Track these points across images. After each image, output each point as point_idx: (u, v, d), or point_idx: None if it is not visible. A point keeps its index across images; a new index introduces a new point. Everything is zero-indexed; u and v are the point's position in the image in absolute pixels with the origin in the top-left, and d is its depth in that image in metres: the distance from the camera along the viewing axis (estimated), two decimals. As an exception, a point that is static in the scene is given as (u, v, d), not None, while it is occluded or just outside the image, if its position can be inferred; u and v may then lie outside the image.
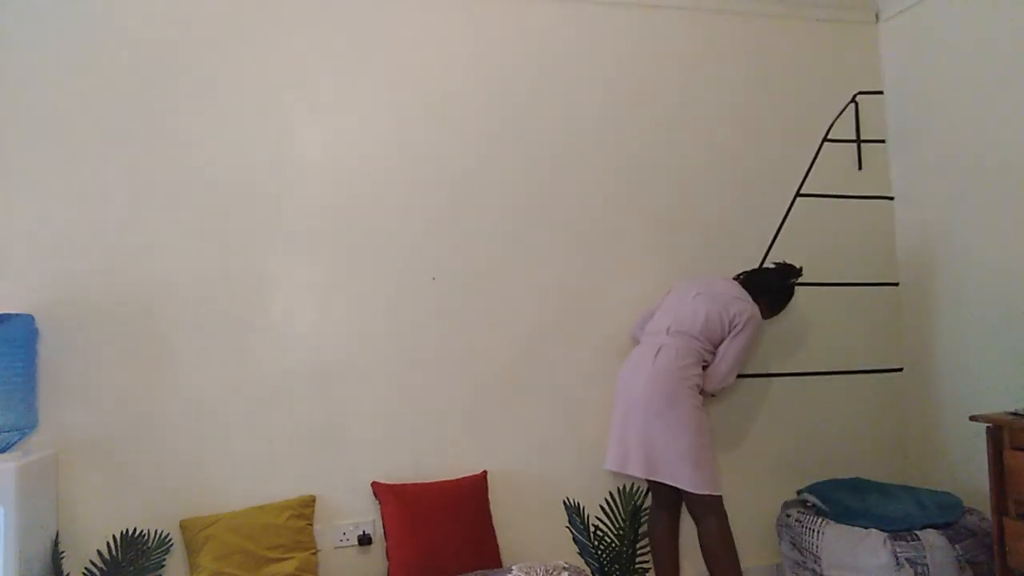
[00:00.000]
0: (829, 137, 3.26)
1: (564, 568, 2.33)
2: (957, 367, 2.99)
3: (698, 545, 2.57)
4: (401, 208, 2.78)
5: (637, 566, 2.77)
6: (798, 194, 3.20)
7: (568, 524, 2.83)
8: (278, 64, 2.70)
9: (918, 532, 2.46)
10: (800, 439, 3.13)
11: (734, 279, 2.80)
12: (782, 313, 2.90)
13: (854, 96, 3.30)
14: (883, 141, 3.32)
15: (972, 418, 2.41)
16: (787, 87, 3.22)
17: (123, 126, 2.56)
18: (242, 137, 2.65)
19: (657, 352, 2.58)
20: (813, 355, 3.17)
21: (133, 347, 2.51)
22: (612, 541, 2.80)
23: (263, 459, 2.59)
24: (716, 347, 2.62)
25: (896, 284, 3.28)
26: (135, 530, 2.44)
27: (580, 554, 2.81)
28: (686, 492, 2.51)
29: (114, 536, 2.41)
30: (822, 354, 3.18)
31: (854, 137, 3.29)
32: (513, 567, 2.35)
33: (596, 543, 2.79)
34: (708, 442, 2.52)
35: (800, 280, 2.83)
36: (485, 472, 2.75)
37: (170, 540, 2.47)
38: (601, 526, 2.82)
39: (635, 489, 2.86)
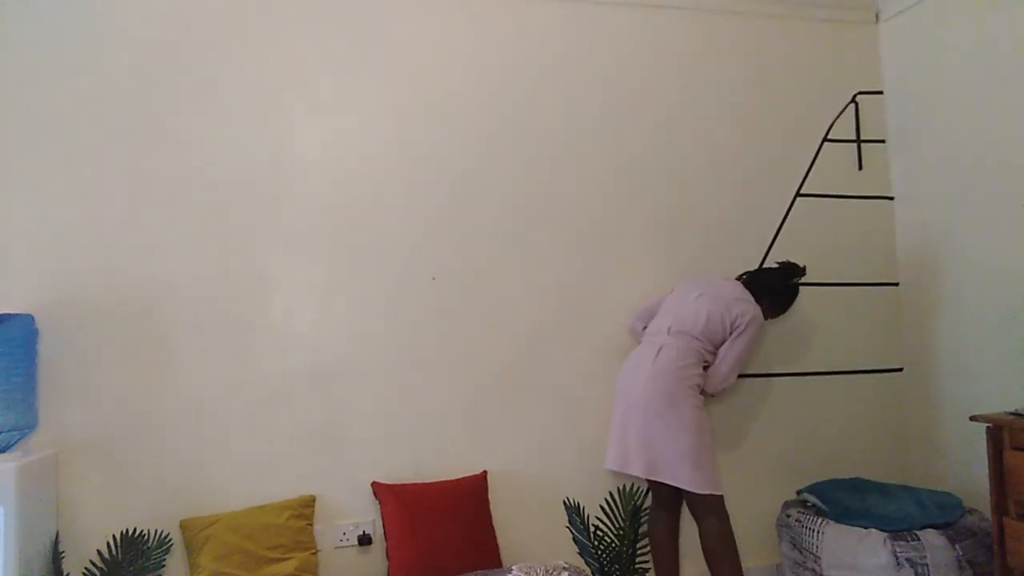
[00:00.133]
0: (829, 137, 3.26)
1: (564, 568, 2.33)
2: (957, 367, 2.99)
3: (699, 545, 2.57)
4: (401, 208, 2.78)
5: (637, 566, 2.77)
6: (798, 194, 3.20)
7: (568, 524, 2.83)
8: (278, 64, 2.70)
9: (918, 532, 2.46)
10: (800, 439, 3.13)
11: (737, 279, 2.80)
12: (783, 313, 2.89)
13: (854, 96, 3.30)
14: (883, 141, 3.32)
15: (972, 418, 2.41)
16: (787, 87, 3.22)
17: (123, 126, 2.56)
18: (242, 137, 2.65)
19: (658, 352, 2.58)
20: (813, 355, 3.17)
21: (133, 347, 2.51)
22: (612, 541, 2.80)
23: (263, 459, 2.59)
24: (717, 348, 2.61)
25: (896, 284, 3.28)
26: (135, 530, 2.44)
27: (580, 554, 2.81)
28: (687, 492, 2.51)
29: (114, 536, 2.41)
30: (822, 354, 3.18)
31: (854, 137, 3.29)
32: (513, 567, 2.35)
33: (596, 543, 2.79)
34: (709, 442, 2.52)
35: (802, 280, 2.82)
36: (485, 472, 2.75)
37: (170, 540, 2.47)
38: (601, 526, 2.82)
39: (635, 489, 2.86)
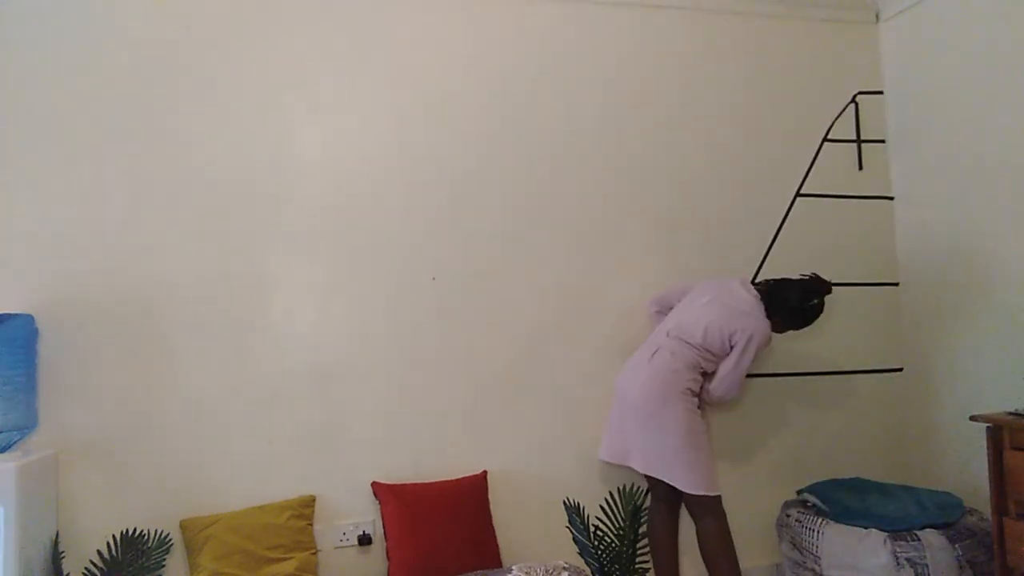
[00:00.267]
0: (829, 137, 3.26)
1: (564, 568, 2.33)
2: (957, 367, 2.99)
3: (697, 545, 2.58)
4: (401, 208, 2.78)
5: (637, 566, 2.77)
6: (798, 194, 3.20)
7: (568, 524, 2.83)
8: (278, 64, 2.70)
9: (918, 532, 2.46)
10: (800, 439, 3.13)
11: (760, 284, 2.67)
12: (802, 329, 2.74)
13: (854, 96, 3.30)
14: (883, 141, 3.32)
15: (972, 418, 2.41)
16: (787, 87, 3.22)
17: (123, 126, 2.56)
18: (242, 137, 2.65)
19: (653, 354, 2.59)
20: (813, 355, 3.17)
21: (133, 347, 2.51)
22: (612, 541, 2.80)
23: (263, 459, 2.59)
24: (717, 355, 2.59)
25: (896, 284, 3.28)
26: (135, 530, 2.44)
27: (580, 554, 2.81)
28: (684, 492, 2.51)
29: (114, 536, 2.41)
30: (822, 354, 3.18)
31: (854, 137, 3.29)
32: (513, 567, 2.35)
33: (596, 543, 2.79)
34: (703, 443, 2.52)
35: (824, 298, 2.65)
36: (485, 472, 2.75)
37: (170, 540, 2.47)
38: (601, 526, 2.82)
39: (635, 489, 2.86)
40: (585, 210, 2.96)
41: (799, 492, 2.90)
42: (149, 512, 2.47)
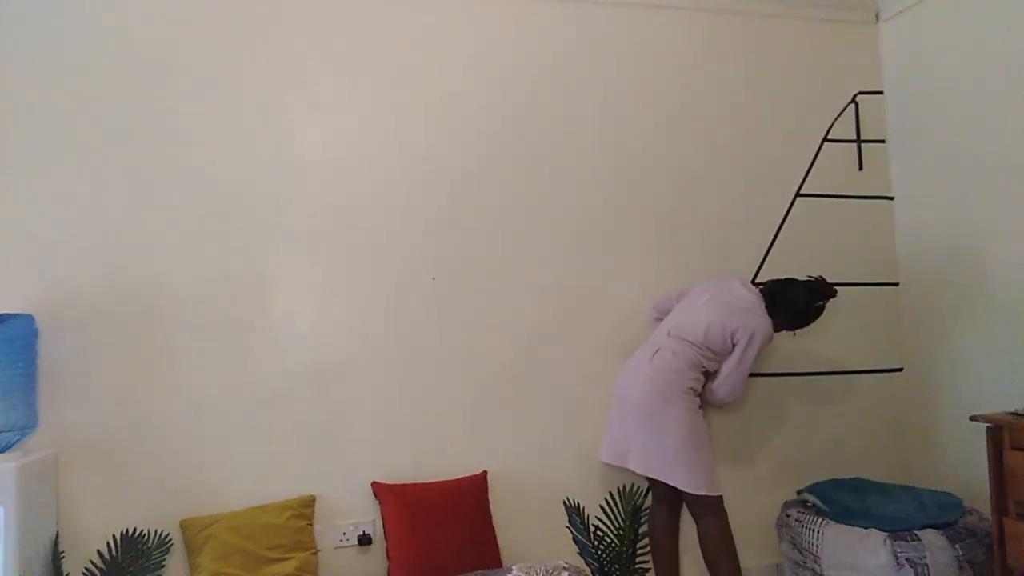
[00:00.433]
0: (829, 137, 3.26)
1: (564, 568, 2.33)
2: (957, 367, 2.99)
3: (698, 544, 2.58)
4: (401, 208, 2.78)
5: (637, 566, 2.77)
6: (798, 194, 3.20)
7: (568, 524, 2.83)
8: (278, 64, 2.70)
9: (918, 532, 2.46)
10: (800, 439, 3.13)
11: (761, 285, 2.69)
12: (801, 329, 2.76)
13: (854, 96, 3.30)
14: (883, 141, 3.32)
15: (972, 418, 2.41)
16: (787, 87, 3.22)
17: (123, 126, 2.56)
18: (242, 137, 2.65)
19: (655, 354, 2.58)
20: (813, 355, 3.17)
21: (133, 347, 2.51)
22: (612, 541, 2.80)
23: (263, 459, 2.59)
24: (719, 354, 2.59)
25: (896, 284, 3.28)
26: (135, 530, 2.44)
27: (580, 554, 2.81)
28: (685, 492, 2.51)
29: (114, 536, 2.41)
30: (822, 354, 3.18)
31: (854, 137, 3.29)
32: (513, 567, 2.35)
33: (596, 543, 2.79)
34: (704, 443, 2.51)
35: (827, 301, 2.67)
36: (485, 472, 2.75)
37: (170, 540, 2.47)
38: (601, 526, 2.82)
39: (635, 489, 2.86)
40: (585, 210, 2.96)
41: (799, 492, 2.90)
42: (149, 512, 2.47)
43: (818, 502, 2.76)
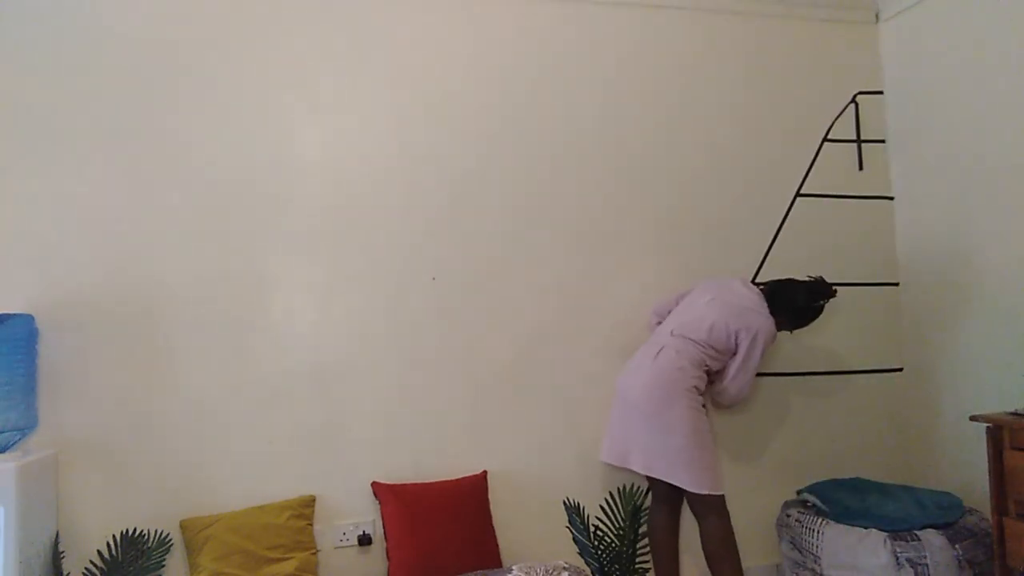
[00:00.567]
0: (829, 137, 3.26)
1: (564, 568, 2.33)
2: (957, 367, 2.99)
3: (700, 543, 2.57)
4: (401, 208, 2.78)
5: (637, 566, 2.77)
6: (798, 194, 3.20)
7: (568, 524, 2.83)
8: (278, 64, 2.70)
9: (918, 532, 2.46)
10: (800, 439, 3.12)
11: (761, 285, 2.71)
12: (801, 328, 2.79)
13: (854, 96, 3.30)
14: (883, 141, 3.32)
15: (972, 418, 2.41)
16: (787, 87, 3.22)
17: (123, 126, 2.56)
18: (242, 137, 2.65)
19: (658, 353, 2.58)
20: (813, 355, 3.17)
21: (133, 347, 2.51)
22: (612, 541, 2.80)
23: (263, 459, 2.59)
24: (722, 353, 2.59)
25: (896, 284, 3.28)
26: (135, 530, 2.44)
27: (580, 554, 2.81)
28: (687, 491, 2.51)
29: (114, 536, 2.41)
30: (822, 354, 3.18)
31: (854, 137, 3.29)
32: (513, 567, 2.35)
33: (596, 543, 2.79)
34: (707, 442, 2.51)
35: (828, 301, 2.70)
36: (485, 472, 2.75)
37: (170, 540, 2.47)
38: (601, 526, 2.82)
39: (635, 489, 2.86)
40: (585, 210, 2.96)
41: (799, 492, 2.90)
42: (149, 512, 2.47)
43: (818, 502, 2.76)
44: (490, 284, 2.84)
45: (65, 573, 2.35)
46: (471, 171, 2.86)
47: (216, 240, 2.61)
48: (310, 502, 2.58)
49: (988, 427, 2.35)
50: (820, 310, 2.69)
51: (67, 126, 2.51)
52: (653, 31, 3.09)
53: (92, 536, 2.42)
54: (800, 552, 2.71)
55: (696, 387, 2.54)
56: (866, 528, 2.53)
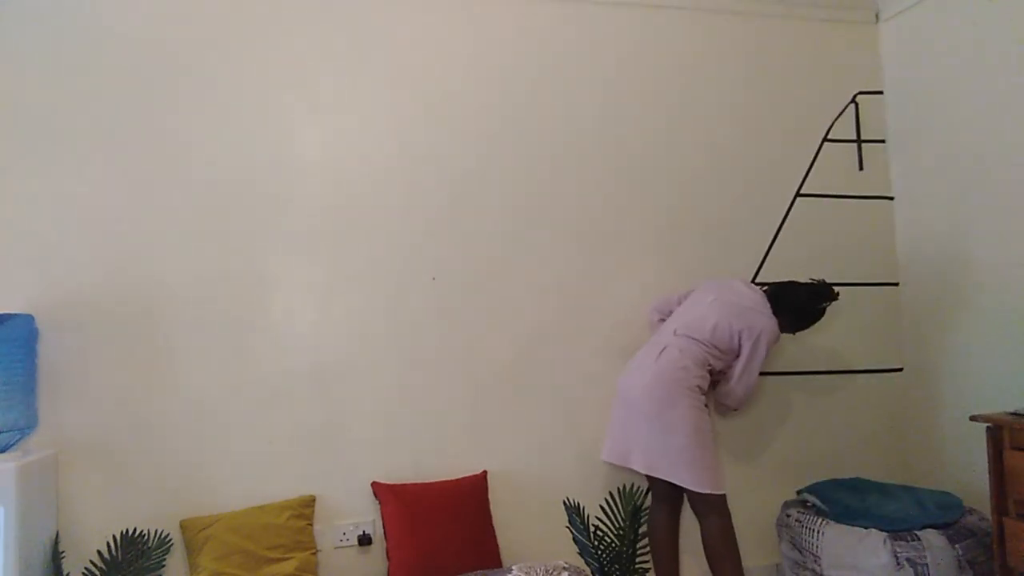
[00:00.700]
0: (829, 137, 3.26)
1: (564, 568, 2.33)
2: (957, 367, 2.99)
3: (700, 542, 2.57)
4: (401, 208, 2.78)
5: (637, 566, 2.77)
6: (798, 194, 3.20)
7: (568, 524, 2.83)
8: (278, 64, 2.70)
9: (918, 532, 2.46)
10: (800, 439, 3.13)
11: (763, 286, 2.72)
12: (803, 330, 2.80)
13: (854, 96, 3.30)
14: (883, 141, 3.32)
15: (972, 418, 2.41)
16: (787, 87, 3.22)
17: (123, 126, 2.56)
18: (242, 137, 2.65)
19: (660, 353, 2.58)
20: (813, 355, 3.17)
21: (133, 347, 2.51)
22: (612, 541, 2.80)
23: (263, 459, 2.59)
24: (725, 353, 2.60)
25: (896, 284, 3.28)
26: (135, 530, 2.44)
27: (580, 554, 2.81)
28: (688, 490, 2.51)
29: (114, 536, 2.42)
30: (822, 354, 3.18)
31: (854, 137, 3.29)
32: (513, 567, 2.35)
33: (596, 543, 2.79)
34: (708, 441, 2.51)
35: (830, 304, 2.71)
36: (485, 472, 2.75)
37: (170, 540, 2.47)
38: (601, 526, 2.82)
39: (635, 489, 2.86)
40: (585, 210, 2.96)
41: (799, 492, 2.90)
42: (149, 512, 2.47)
43: (818, 502, 2.76)
44: (490, 284, 2.84)
45: (65, 573, 2.35)
46: (471, 171, 2.86)
47: (216, 240, 2.61)
48: (310, 502, 2.58)
49: (988, 427, 2.35)
50: (822, 312, 2.71)
51: (67, 126, 2.51)
52: (653, 31, 3.09)
53: (92, 536, 2.42)
54: (800, 552, 2.71)
55: (699, 387, 2.54)
56: (866, 528, 2.53)
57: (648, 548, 2.77)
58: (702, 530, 2.55)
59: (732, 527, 2.53)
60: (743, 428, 3.07)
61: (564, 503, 2.84)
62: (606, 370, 2.87)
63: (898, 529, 2.49)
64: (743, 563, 2.57)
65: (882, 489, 2.85)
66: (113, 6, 2.58)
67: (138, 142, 2.56)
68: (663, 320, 2.83)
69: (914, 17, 3.17)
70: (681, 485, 2.49)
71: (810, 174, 3.22)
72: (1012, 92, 2.73)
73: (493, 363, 2.83)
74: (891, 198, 3.31)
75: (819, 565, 2.60)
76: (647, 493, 2.85)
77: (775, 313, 2.61)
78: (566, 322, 2.91)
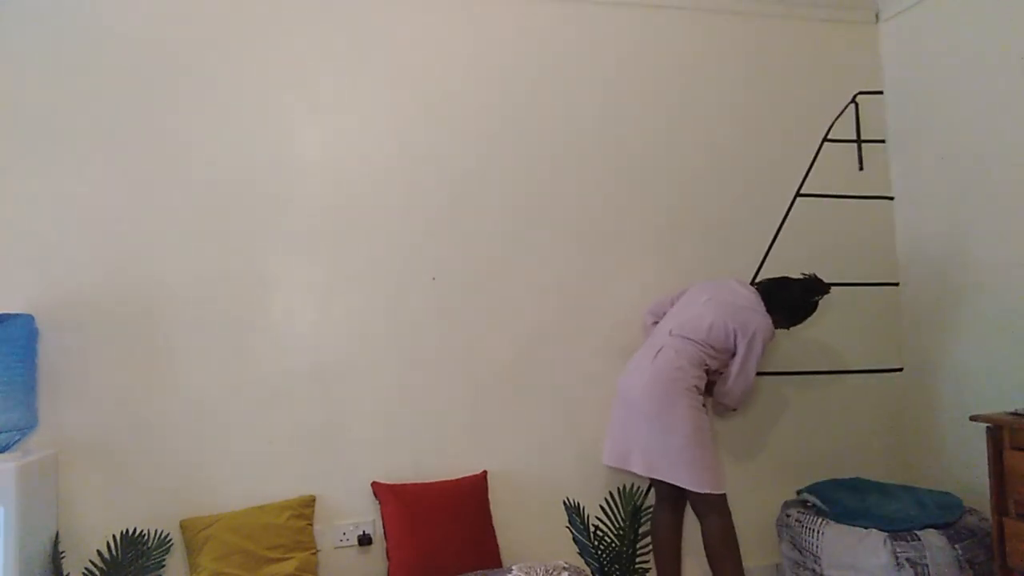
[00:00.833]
0: (829, 137, 3.26)
1: (564, 568, 2.33)
2: (957, 367, 2.99)
3: (701, 543, 2.57)
4: (401, 208, 2.78)
5: (637, 566, 2.77)
6: (798, 194, 3.20)
7: (568, 524, 2.83)
8: (278, 64, 2.70)
9: (918, 532, 2.46)
10: (800, 439, 3.13)
11: (756, 285, 2.73)
12: (798, 325, 2.81)
13: (854, 96, 3.30)
14: (883, 141, 3.32)
15: (972, 418, 2.41)
16: (787, 87, 3.22)
17: (123, 126, 2.56)
18: (242, 137, 2.65)
19: (657, 353, 2.58)
20: (813, 355, 3.17)
21: (133, 347, 2.51)
22: (612, 541, 2.80)
23: (263, 459, 2.59)
24: (721, 353, 2.60)
25: (896, 284, 3.28)
26: (135, 530, 2.44)
27: (580, 554, 2.81)
28: (689, 490, 2.51)
29: (114, 536, 2.41)
30: (822, 354, 3.18)
31: (854, 137, 3.29)
32: (513, 567, 2.35)
33: (596, 543, 2.79)
34: (708, 441, 2.51)
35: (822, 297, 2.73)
36: (485, 472, 2.75)
37: (170, 540, 2.47)
38: (601, 526, 2.82)
39: (635, 489, 2.86)
40: (585, 210, 2.96)
41: (799, 492, 2.90)
42: (149, 512, 2.47)
43: (818, 502, 2.76)
44: (490, 284, 2.84)
45: (65, 573, 2.35)
46: (471, 171, 2.86)
47: (216, 240, 2.61)
48: (310, 502, 2.58)
49: (988, 427, 2.35)
50: (815, 306, 2.73)
51: (67, 126, 2.51)
52: (653, 31, 3.09)
53: (92, 536, 2.42)
54: (800, 552, 2.71)
55: (696, 386, 2.54)
56: (866, 528, 2.53)
57: (649, 548, 2.77)
58: (702, 530, 2.55)
59: (732, 527, 2.53)
60: (743, 428, 3.07)
61: (564, 503, 2.84)
62: (606, 370, 2.87)
63: (898, 529, 2.49)
64: (743, 563, 2.57)
65: (882, 489, 2.85)
66: (113, 6, 2.58)
67: (138, 142, 2.56)
68: (656, 323, 2.82)
69: (914, 17, 3.17)
70: (681, 485, 2.49)
71: (810, 174, 3.22)
72: (1012, 92, 2.73)
73: (493, 363, 2.83)
74: (891, 198, 3.31)
75: (819, 565, 2.60)
76: (647, 493, 2.85)
77: (770, 310, 2.62)
78: (566, 322, 2.91)
